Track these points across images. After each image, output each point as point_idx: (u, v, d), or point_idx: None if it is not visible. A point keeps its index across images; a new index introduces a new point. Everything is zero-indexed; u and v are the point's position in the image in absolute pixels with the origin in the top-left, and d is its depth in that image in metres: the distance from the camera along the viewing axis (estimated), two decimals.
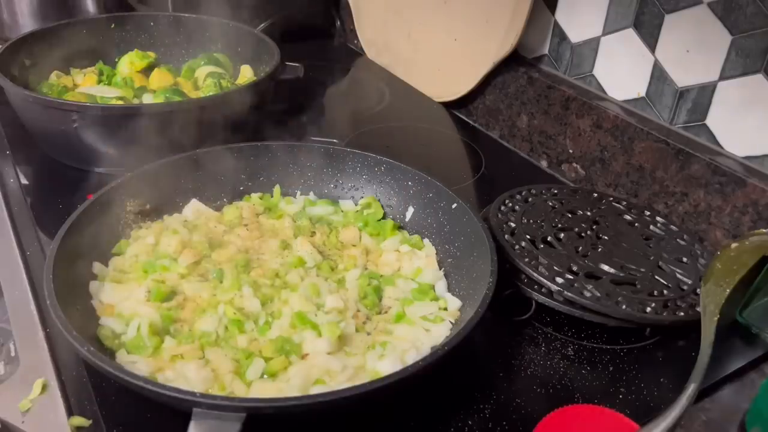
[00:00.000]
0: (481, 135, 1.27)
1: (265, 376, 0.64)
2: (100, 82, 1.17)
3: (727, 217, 0.89)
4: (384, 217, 0.89)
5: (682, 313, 0.74)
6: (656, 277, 0.79)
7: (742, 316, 0.77)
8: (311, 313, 0.70)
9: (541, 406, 0.64)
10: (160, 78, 1.17)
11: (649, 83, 1.01)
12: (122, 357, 0.64)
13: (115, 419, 0.61)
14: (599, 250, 0.82)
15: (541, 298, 0.76)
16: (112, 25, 1.26)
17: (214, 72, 1.18)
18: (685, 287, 0.78)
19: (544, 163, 1.17)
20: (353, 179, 0.92)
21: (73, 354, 0.68)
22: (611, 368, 0.72)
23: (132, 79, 1.16)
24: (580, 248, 0.82)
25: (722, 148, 0.93)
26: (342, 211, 0.90)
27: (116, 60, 1.23)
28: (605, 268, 0.79)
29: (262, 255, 0.80)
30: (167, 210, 0.85)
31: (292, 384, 0.62)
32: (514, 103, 1.21)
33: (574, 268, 0.78)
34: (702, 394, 0.66)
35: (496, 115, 1.25)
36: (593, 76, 1.10)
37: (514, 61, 1.20)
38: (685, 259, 0.83)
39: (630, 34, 1.02)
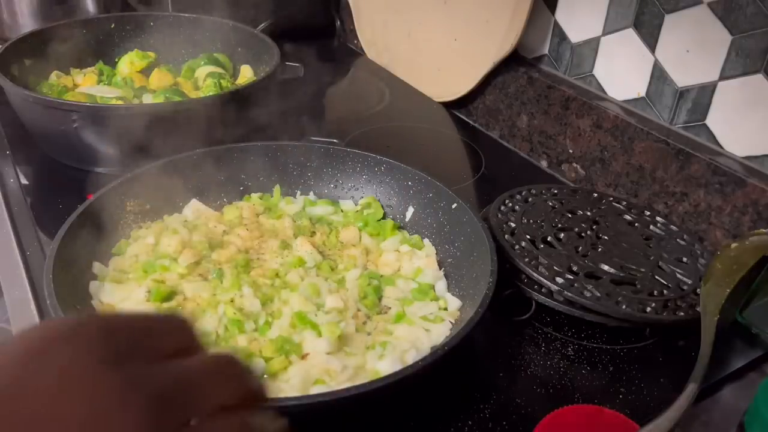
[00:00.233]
0: (481, 135, 1.27)
1: (265, 375, 0.64)
2: (100, 82, 1.17)
3: (727, 217, 0.89)
4: (384, 217, 0.89)
5: (682, 313, 0.74)
6: (656, 277, 0.79)
7: (742, 316, 0.77)
8: (311, 313, 0.70)
9: (541, 406, 0.64)
10: (160, 78, 1.17)
11: (649, 83, 1.01)
12: None
13: None
14: (599, 250, 0.82)
15: (541, 298, 0.76)
16: (112, 25, 1.26)
17: (214, 72, 1.18)
18: (685, 287, 0.78)
19: (544, 163, 1.17)
20: (353, 179, 0.92)
21: None
22: (611, 368, 0.72)
23: (132, 79, 1.16)
24: (580, 248, 0.82)
25: (722, 148, 0.93)
26: (342, 211, 0.90)
27: (116, 60, 1.23)
28: (605, 268, 0.79)
29: (262, 255, 0.80)
30: (167, 210, 0.85)
31: (292, 384, 0.62)
32: (514, 103, 1.21)
33: (574, 268, 0.78)
34: (702, 394, 0.66)
35: (496, 115, 1.25)
36: (593, 76, 1.10)
37: (514, 61, 1.20)
38: (685, 259, 0.83)
39: (630, 34, 1.02)
